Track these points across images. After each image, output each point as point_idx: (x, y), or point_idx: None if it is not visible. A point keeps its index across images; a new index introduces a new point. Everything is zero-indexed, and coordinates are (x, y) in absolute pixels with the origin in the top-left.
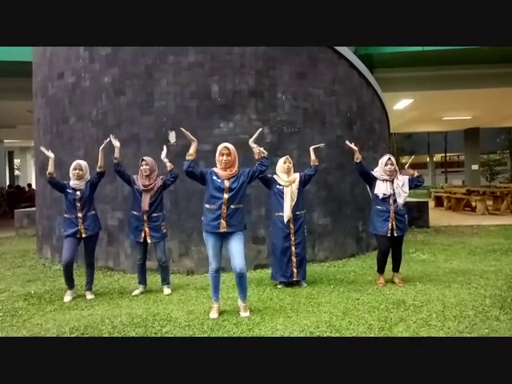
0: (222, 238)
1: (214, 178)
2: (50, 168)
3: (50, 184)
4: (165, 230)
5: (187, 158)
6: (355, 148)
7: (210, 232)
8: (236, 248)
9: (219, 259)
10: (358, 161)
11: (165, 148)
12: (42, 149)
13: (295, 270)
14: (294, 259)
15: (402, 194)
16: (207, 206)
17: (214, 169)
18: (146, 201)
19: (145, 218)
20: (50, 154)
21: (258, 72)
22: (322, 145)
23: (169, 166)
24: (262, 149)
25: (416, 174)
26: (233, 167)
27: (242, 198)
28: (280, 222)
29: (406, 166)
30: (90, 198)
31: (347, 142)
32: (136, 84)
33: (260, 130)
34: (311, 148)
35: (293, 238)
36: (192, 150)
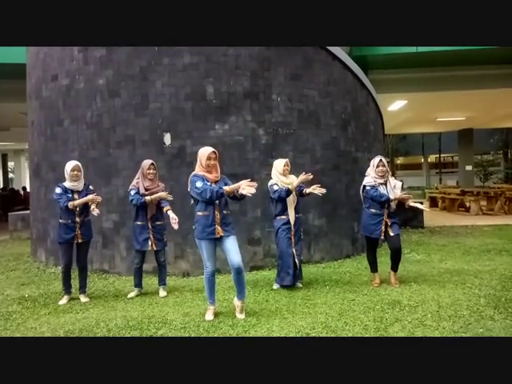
0: (216, 242)
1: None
2: (77, 203)
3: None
4: (165, 239)
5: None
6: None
7: (205, 239)
8: (232, 245)
9: (214, 261)
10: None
11: (170, 212)
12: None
13: (297, 273)
14: (296, 261)
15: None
16: (200, 213)
17: (202, 174)
18: (152, 206)
19: (149, 225)
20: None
21: (252, 73)
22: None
23: (166, 209)
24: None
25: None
26: (217, 170)
27: (228, 204)
28: (284, 225)
29: (407, 203)
30: (87, 204)
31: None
32: (131, 86)
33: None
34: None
35: (293, 241)
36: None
